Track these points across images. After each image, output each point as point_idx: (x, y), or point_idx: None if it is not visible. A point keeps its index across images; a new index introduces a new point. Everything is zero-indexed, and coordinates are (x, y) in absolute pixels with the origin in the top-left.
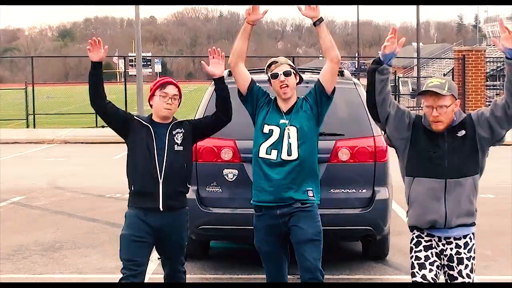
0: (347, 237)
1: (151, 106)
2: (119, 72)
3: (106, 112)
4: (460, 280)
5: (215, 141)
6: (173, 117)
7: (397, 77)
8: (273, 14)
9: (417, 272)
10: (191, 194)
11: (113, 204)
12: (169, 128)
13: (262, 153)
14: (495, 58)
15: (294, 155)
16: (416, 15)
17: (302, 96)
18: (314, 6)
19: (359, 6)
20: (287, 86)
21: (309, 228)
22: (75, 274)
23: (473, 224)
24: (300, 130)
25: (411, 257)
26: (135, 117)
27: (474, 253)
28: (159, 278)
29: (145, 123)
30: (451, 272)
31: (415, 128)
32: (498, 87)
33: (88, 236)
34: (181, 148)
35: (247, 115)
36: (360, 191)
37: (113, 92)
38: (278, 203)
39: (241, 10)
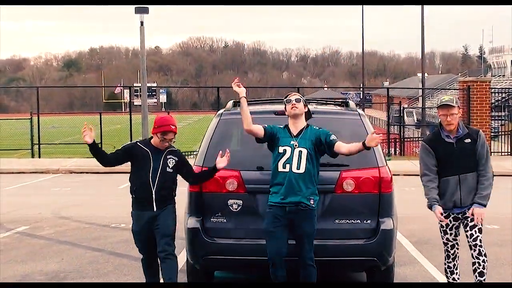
0: (352, 267)
1: (152, 135)
2: (124, 102)
3: (114, 164)
4: (471, 217)
5: (220, 172)
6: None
7: (402, 108)
8: (278, 44)
9: (442, 236)
10: (195, 224)
11: (118, 234)
12: (164, 154)
13: (280, 168)
14: (500, 89)
15: (302, 169)
16: (421, 45)
17: (315, 126)
18: (380, 141)
19: (364, 10)
20: (297, 108)
21: (307, 226)
22: None
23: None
24: (309, 153)
25: (438, 224)
26: (137, 142)
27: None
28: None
29: (145, 148)
30: (466, 221)
31: (434, 149)
32: (503, 118)
33: (92, 266)
34: (171, 171)
35: (251, 147)
36: (365, 221)
37: (118, 122)
38: (287, 205)
39: (246, 41)
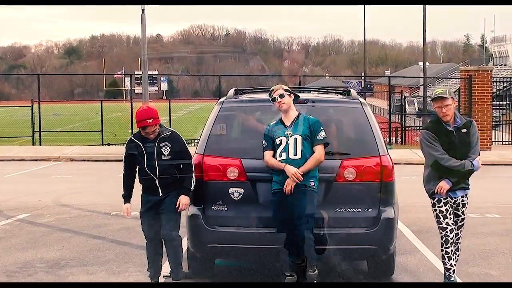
0: (353, 256)
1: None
2: (125, 90)
3: (135, 170)
4: (462, 216)
5: (221, 160)
6: (161, 126)
7: (403, 97)
8: (280, 33)
9: (442, 221)
10: (196, 211)
11: (119, 222)
12: (157, 143)
13: (278, 157)
14: (501, 78)
15: (299, 155)
16: (422, 34)
17: (306, 114)
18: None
19: (366, 9)
20: (283, 103)
21: (306, 206)
22: None
23: (469, 187)
24: (304, 138)
25: (435, 210)
26: (131, 137)
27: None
28: None
29: (137, 141)
30: (457, 212)
31: (437, 136)
32: (504, 107)
33: (93, 254)
34: (168, 157)
35: (252, 135)
36: (366, 210)
37: (119, 110)
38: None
39: (247, 29)
